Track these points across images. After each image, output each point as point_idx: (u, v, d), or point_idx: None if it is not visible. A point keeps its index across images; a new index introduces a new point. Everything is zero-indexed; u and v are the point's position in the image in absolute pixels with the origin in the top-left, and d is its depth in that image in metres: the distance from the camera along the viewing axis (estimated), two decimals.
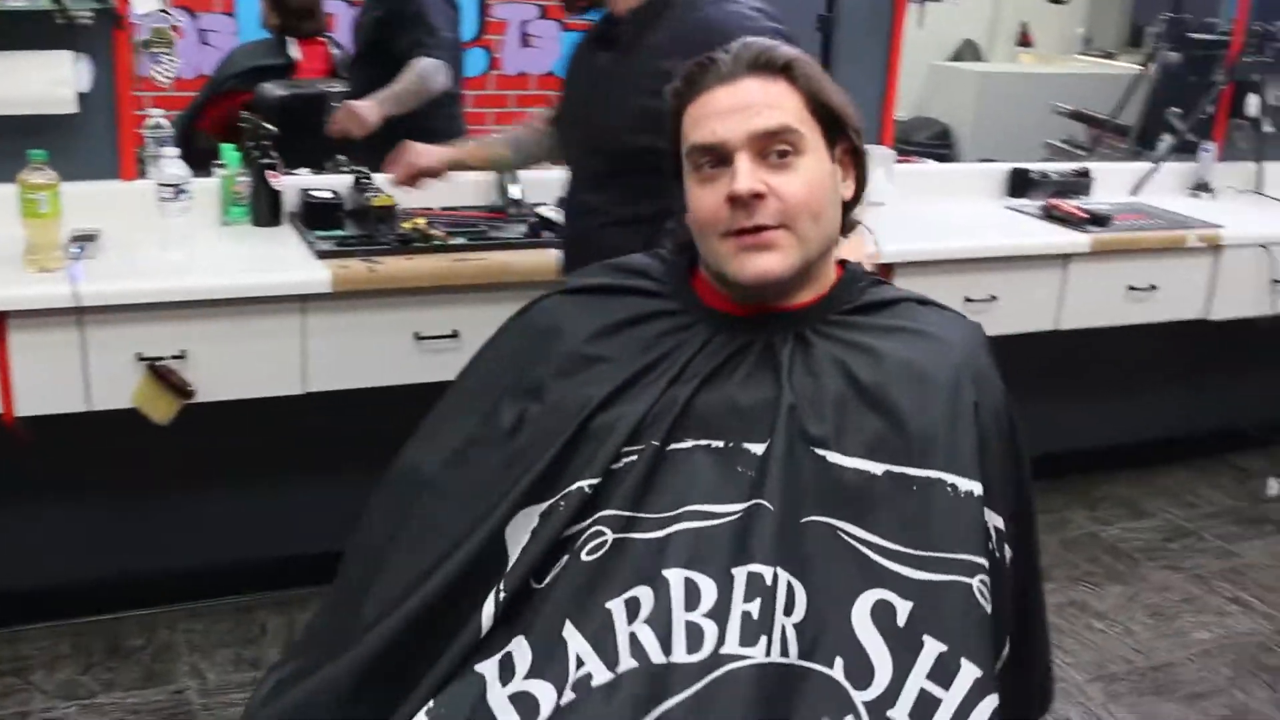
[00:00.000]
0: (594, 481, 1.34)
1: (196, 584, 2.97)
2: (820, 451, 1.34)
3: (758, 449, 1.34)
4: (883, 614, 1.26)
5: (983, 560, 1.31)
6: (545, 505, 1.35)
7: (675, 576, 1.27)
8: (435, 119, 3.23)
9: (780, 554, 1.27)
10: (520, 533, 1.35)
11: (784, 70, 1.41)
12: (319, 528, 3.03)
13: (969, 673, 1.25)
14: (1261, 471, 4.07)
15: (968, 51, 5.28)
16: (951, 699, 1.23)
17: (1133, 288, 3.32)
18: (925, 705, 1.22)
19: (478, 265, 2.63)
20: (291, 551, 3.03)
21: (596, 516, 1.32)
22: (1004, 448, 1.43)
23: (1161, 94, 4.10)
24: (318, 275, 2.49)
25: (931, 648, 1.25)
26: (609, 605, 1.27)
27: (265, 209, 2.80)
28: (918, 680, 1.24)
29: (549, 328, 1.51)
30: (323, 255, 2.58)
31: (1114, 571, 3.41)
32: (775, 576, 1.25)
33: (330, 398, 2.58)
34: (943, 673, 1.24)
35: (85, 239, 2.50)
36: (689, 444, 1.36)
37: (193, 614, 2.92)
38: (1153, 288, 3.34)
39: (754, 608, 1.24)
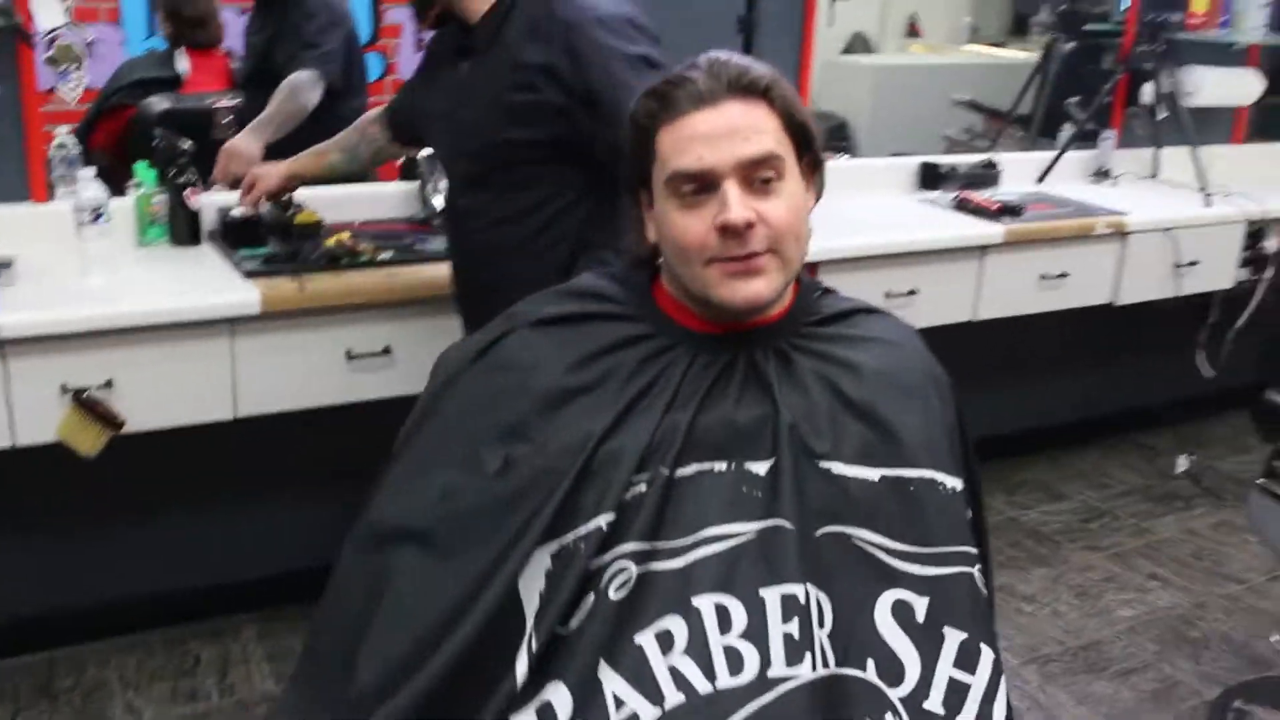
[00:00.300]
0: (610, 518, 1.32)
1: (125, 617, 2.89)
2: (824, 464, 1.37)
3: (760, 468, 1.36)
4: (902, 612, 1.32)
5: (974, 550, 1.40)
6: (556, 545, 1.32)
7: (705, 603, 1.28)
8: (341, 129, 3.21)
9: (806, 570, 1.30)
10: (533, 576, 1.32)
11: (763, 93, 1.40)
12: (249, 554, 2.99)
13: (988, 656, 1.34)
14: (1168, 449, 4.20)
15: (858, 44, 5.34)
16: (979, 682, 1.32)
17: (1045, 276, 3.39)
18: (956, 692, 1.30)
19: (409, 280, 2.59)
20: (222, 579, 2.97)
21: (617, 552, 1.31)
22: (960, 442, 1.51)
23: (1059, 84, 4.20)
24: (247, 296, 2.43)
25: (953, 638, 1.33)
26: (639, 640, 1.26)
27: (184, 229, 2.72)
28: (945, 670, 1.31)
29: (521, 364, 1.46)
30: (250, 275, 2.52)
31: (1037, 555, 3.49)
32: (807, 594, 1.28)
33: (258, 420, 2.52)
34: (967, 659, 1.32)
35: (0, 266, 2.41)
36: (693, 468, 1.36)
37: (123, 649, 2.83)
38: (1064, 275, 3.42)
39: (793, 628, 1.27)
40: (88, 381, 2.31)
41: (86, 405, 2.31)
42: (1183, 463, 4.06)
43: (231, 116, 3.00)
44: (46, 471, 2.52)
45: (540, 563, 1.32)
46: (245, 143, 2.86)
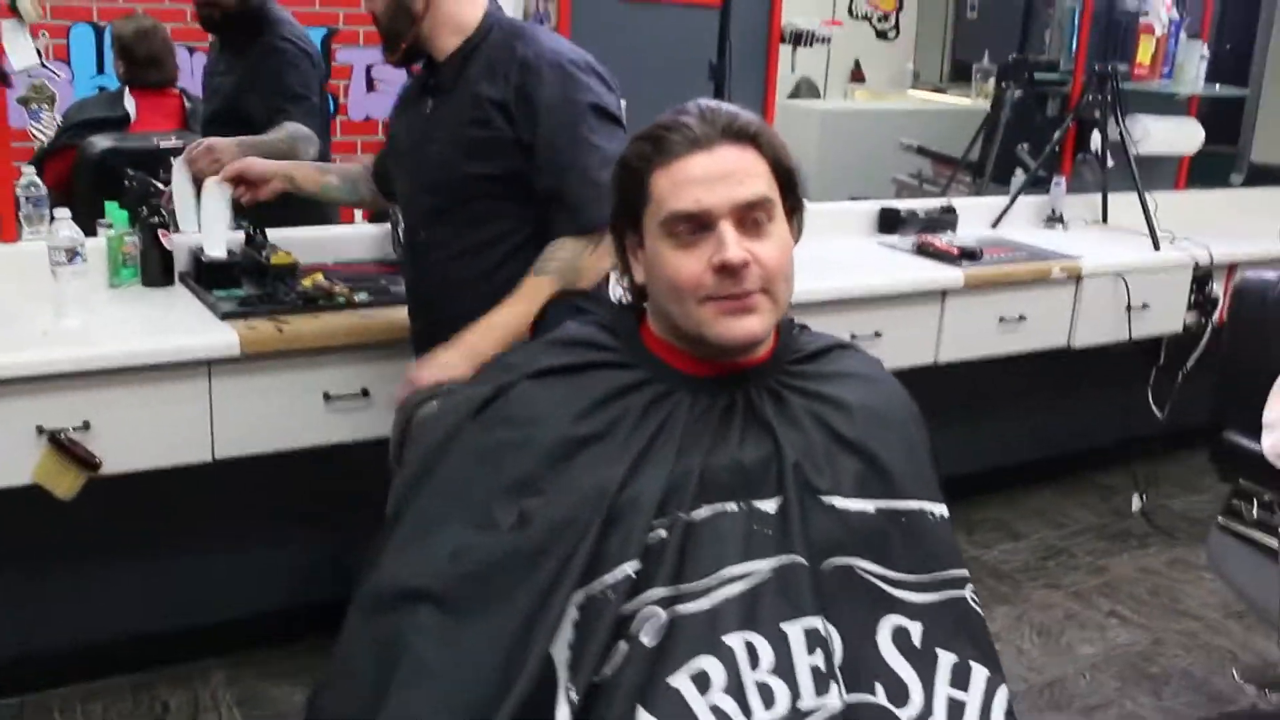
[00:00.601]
0: (636, 565, 1.34)
1: (93, 662, 2.83)
2: (827, 500, 1.42)
3: (769, 506, 1.40)
4: (901, 637, 1.39)
5: (964, 572, 1.48)
6: (583, 595, 1.33)
7: (736, 640, 1.31)
8: None
9: (819, 603, 1.34)
10: (561, 628, 1.32)
11: (753, 138, 1.46)
12: (217, 597, 2.95)
13: (980, 673, 1.41)
14: (1122, 488, 4.27)
15: (805, 88, 5.44)
16: (973, 699, 1.38)
17: (1004, 319, 3.46)
18: (955, 710, 1.37)
19: (385, 322, 2.58)
20: (190, 623, 2.93)
21: (646, 598, 1.33)
22: (935, 470, 1.58)
23: (1008, 131, 4.30)
24: (225, 338, 2.42)
25: (945, 660, 1.40)
26: (673, 683, 1.28)
27: (157, 270, 2.70)
28: (943, 689, 1.38)
29: (525, 417, 1.46)
30: (226, 316, 2.51)
31: (998, 593, 3.54)
32: (825, 626, 1.33)
33: (230, 462, 2.49)
34: (960, 679, 1.39)
35: None
36: (706, 511, 1.39)
37: (90, 694, 2.78)
38: (1021, 318, 3.49)
39: (819, 660, 1.31)
40: (64, 423, 2.29)
41: (63, 447, 2.29)
42: (1136, 502, 4.13)
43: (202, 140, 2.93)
44: (14, 513, 2.48)
45: (567, 614, 1.33)
46: (225, 146, 2.75)
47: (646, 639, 1.31)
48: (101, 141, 3.02)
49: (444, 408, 1.56)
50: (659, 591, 1.33)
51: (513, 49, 2.15)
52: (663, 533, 1.36)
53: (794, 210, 1.51)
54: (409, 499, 1.49)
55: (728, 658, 1.29)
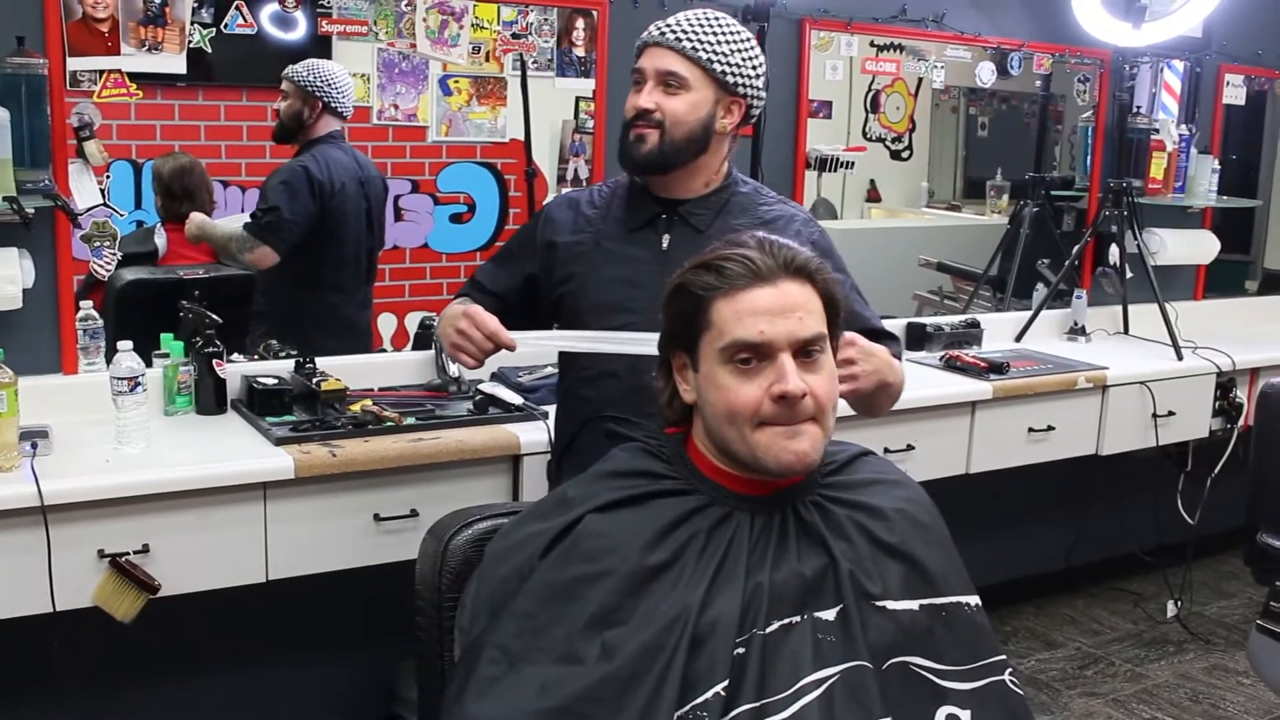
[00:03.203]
0: (725, 683, 1.39)
1: None
2: (879, 603, 1.49)
3: (829, 615, 1.48)
4: None
5: (1004, 656, 1.55)
6: (675, 716, 1.38)
7: None
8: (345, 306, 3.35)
9: (887, 703, 1.41)
10: None
11: (811, 275, 1.54)
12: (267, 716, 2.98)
13: None
14: (1152, 594, 4.29)
15: (822, 209, 5.56)
16: None
17: (1032, 429, 3.52)
18: None
19: (435, 445, 2.65)
20: None
21: (736, 714, 1.39)
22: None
23: (1029, 246, 4.40)
24: (280, 462, 2.49)
25: None
26: None
27: (211, 398, 2.79)
28: None
29: (599, 550, 1.51)
30: (280, 442, 2.58)
31: (1038, 703, 3.54)
32: None
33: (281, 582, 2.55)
34: None
35: (37, 435, 2.46)
36: (775, 625, 1.45)
37: None
38: (1050, 428, 3.55)
39: None
40: (125, 547, 2.36)
41: (124, 570, 2.35)
42: (1171, 608, 4.14)
43: (197, 291, 2.99)
44: (77, 635, 2.53)
45: None
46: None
47: None
48: (127, 274, 3.07)
49: (508, 545, 1.59)
50: (747, 707, 1.39)
51: (774, 208, 2.29)
52: (741, 650, 1.42)
53: (835, 339, 1.59)
54: (485, 639, 1.50)
55: None
